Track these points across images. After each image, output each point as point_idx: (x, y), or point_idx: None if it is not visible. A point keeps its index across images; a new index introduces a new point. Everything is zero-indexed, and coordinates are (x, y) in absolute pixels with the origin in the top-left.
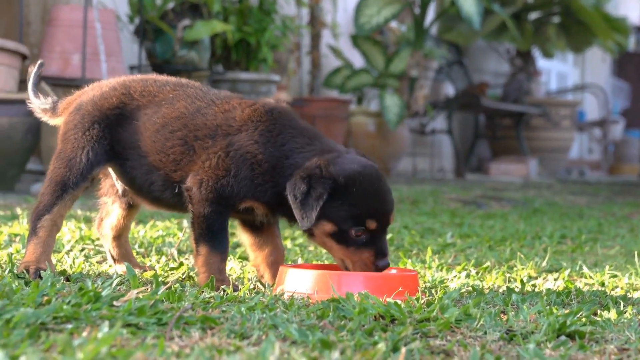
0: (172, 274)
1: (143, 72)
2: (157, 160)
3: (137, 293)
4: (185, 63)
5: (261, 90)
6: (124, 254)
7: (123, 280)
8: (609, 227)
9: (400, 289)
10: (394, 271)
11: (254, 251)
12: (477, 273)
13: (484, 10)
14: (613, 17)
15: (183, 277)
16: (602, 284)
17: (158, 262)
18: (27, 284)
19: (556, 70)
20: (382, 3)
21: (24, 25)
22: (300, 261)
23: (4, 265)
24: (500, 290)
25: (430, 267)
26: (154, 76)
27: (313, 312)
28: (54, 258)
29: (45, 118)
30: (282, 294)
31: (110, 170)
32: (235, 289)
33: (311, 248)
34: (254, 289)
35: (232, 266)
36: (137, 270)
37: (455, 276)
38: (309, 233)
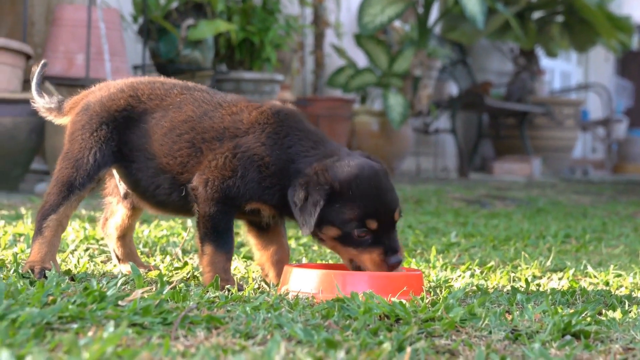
0: (176, 273)
1: (147, 72)
2: (164, 163)
3: (142, 293)
4: (189, 62)
5: (265, 90)
6: (128, 253)
7: (128, 279)
8: (613, 226)
9: (404, 289)
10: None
11: (259, 250)
12: (482, 272)
13: (487, 9)
14: (617, 16)
15: (188, 276)
16: (607, 284)
17: (162, 262)
18: (32, 283)
19: (560, 70)
20: (385, 2)
21: (28, 25)
22: (304, 261)
23: (9, 265)
24: (505, 290)
25: (434, 267)
26: (161, 79)
27: (318, 311)
28: (58, 258)
29: (50, 117)
30: (287, 293)
31: (114, 172)
32: (240, 289)
33: (315, 248)
34: (258, 288)
35: (237, 266)
36: (141, 270)
37: (459, 276)
38: (319, 239)
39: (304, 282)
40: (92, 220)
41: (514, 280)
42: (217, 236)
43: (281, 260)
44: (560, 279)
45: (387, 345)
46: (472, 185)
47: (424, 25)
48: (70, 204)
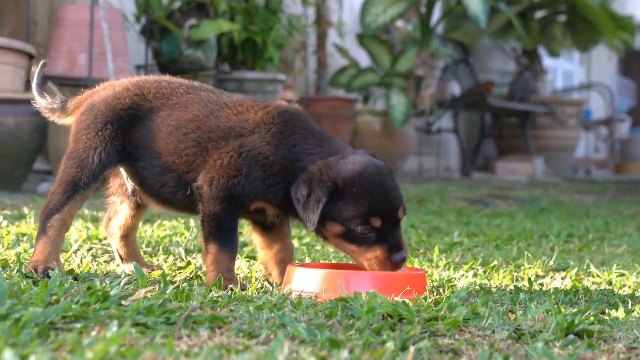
0: (179, 273)
1: (149, 72)
2: (170, 162)
3: (145, 292)
4: (191, 62)
5: (267, 90)
6: (131, 253)
7: (131, 279)
8: (616, 225)
9: (408, 288)
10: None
11: (263, 248)
12: (485, 272)
13: (490, 9)
14: (619, 15)
15: (191, 276)
16: (610, 283)
17: (165, 262)
18: (35, 283)
19: (562, 69)
20: (388, 2)
21: (31, 25)
22: (307, 260)
23: (12, 265)
24: (508, 289)
25: (437, 266)
26: (167, 77)
27: (321, 311)
28: (61, 257)
29: (53, 118)
30: (290, 293)
31: (121, 169)
32: (243, 288)
33: (318, 247)
34: (261, 288)
35: (240, 265)
36: (144, 270)
37: (462, 275)
38: (323, 236)
39: (307, 281)
40: (95, 220)
41: (516, 280)
42: (221, 235)
43: (284, 260)
44: (563, 278)
45: (390, 345)
46: (475, 184)
47: (426, 25)
48: (74, 203)
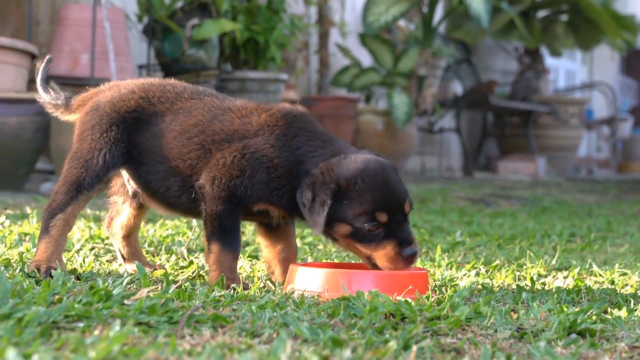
0: (182, 272)
1: (152, 71)
2: (174, 166)
3: (148, 292)
4: (193, 62)
5: (269, 89)
6: (133, 252)
7: (133, 279)
8: (618, 225)
9: (410, 288)
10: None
11: (266, 247)
12: (487, 271)
13: (492, 8)
14: (622, 14)
15: (193, 275)
16: (612, 282)
17: (168, 261)
18: (38, 282)
19: (564, 68)
20: (390, 1)
21: (33, 24)
22: (309, 260)
23: (14, 264)
24: (510, 289)
25: (439, 266)
26: (172, 81)
27: (324, 310)
28: (63, 257)
29: (56, 114)
30: (293, 292)
31: (123, 172)
32: (246, 288)
33: (320, 247)
34: (264, 287)
35: (242, 265)
36: (147, 269)
37: (465, 274)
38: (332, 238)
39: (309, 281)
40: (97, 220)
41: (519, 279)
42: (223, 235)
43: (288, 259)
44: (565, 277)
45: (392, 344)
46: (477, 184)
47: (428, 25)
48: (78, 203)
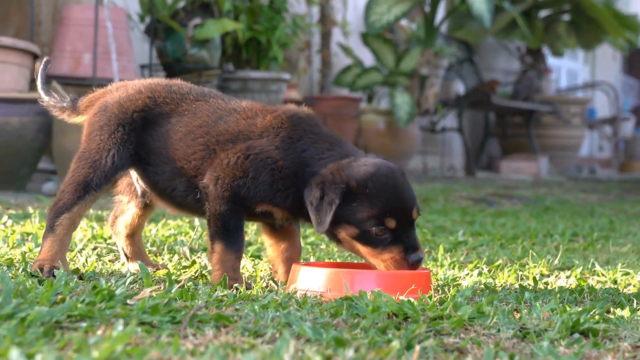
0: (184, 272)
1: (154, 71)
2: (179, 167)
3: (151, 291)
4: (196, 62)
5: (271, 89)
6: (137, 252)
7: (136, 278)
8: (620, 224)
9: (413, 287)
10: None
11: (270, 246)
12: (489, 271)
13: (494, 7)
14: (624, 14)
15: (196, 275)
16: (615, 282)
17: (170, 261)
18: (40, 282)
19: (566, 68)
20: (392, 1)
21: (35, 24)
22: (312, 259)
23: (17, 264)
24: (513, 288)
25: (442, 265)
26: (178, 82)
27: (326, 310)
28: (66, 257)
29: (63, 117)
30: (295, 292)
31: (132, 171)
32: (248, 287)
33: (323, 246)
34: (267, 287)
35: (245, 264)
36: (150, 269)
37: (467, 274)
38: (337, 240)
39: (312, 280)
40: (100, 219)
41: (521, 279)
42: (227, 235)
43: (291, 258)
44: (568, 277)
45: (395, 344)
46: (479, 184)
47: (430, 24)
48: (85, 203)
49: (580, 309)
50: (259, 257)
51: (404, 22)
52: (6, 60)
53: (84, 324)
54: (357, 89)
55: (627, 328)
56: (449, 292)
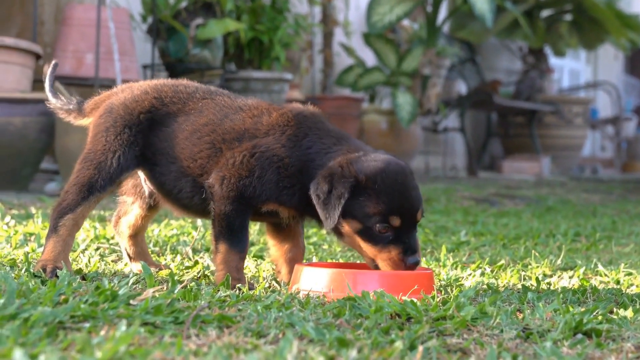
0: (187, 272)
1: (156, 71)
2: (185, 167)
3: (154, 292)
4: (198, 62)
5: (274, 89)
6: (139, 252)
7: (139, 279)
8: (623, 224)
9: (415, 288)
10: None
11: (274, 245)
12: (492, 271)
13: (496, 7)
14: (626, 14)
15: (198, 275)
16: (618, 282)
17: (173, 261)
18: (43, 283)
19: (568, 68)
20: (394, 1)
21: (38, 24)
22: (315, 260)
23: (20, 265)
24: (516, 289)
25: (445, 266)
26: (184, 82)
27: (329, 310)
28: (69, 257)
29: (69, 119)
30: (298, 292)
31: (139, 172)
32: (251, 288)
33: (325, 247)
34: (269, 287)
35: (247, 265)
36: (152, 269)
37: (470, 274)
38: (338, 233)
39: (314, 281)
40: (103, 220)
41: (524, 279)
42: (231, 235)
43: (294, 259)
44: (570, 277)
45: (398, 344)
46: (482, 184)
47: (432, 24)
48: (89, 204)
49: (583, 310)
50: (262, 258)
51: (406, 22)
52: (9, 60)
53: (87, 325)
54: (359, 89)
55: (630, 328)
56: (452, 292)
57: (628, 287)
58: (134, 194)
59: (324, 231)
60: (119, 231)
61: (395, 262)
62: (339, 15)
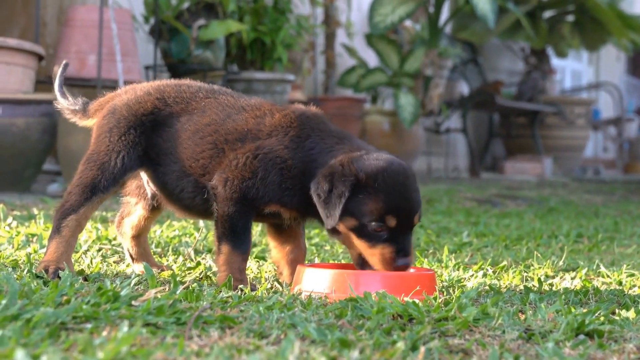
0: (189, 273)
1: (158, 72)
2: (187, 166)
3: (156, 293)
4: (200, 63)
5: (276, 90)
6: (142, 253)
7: (141, 280)
8: (625, 225)
9: (417, 288)
10: (411, 270)
11: (275, 247)
12: (494, 272)
13: (498, 8)
14: (628, 15)
15: (200, 276)
16: (620, 283)
17: (175, 262)
18: (45, 283)
19: (571, 69)
20: (396, 2)
21: (40, 25)
22: (317, 261)
23: (22, 265)
24: (518, 290)
25: (447, 267)
26: (187, 81)
27: (331, 311)
28: (72, 258)
29: (74, 119)
30: (300, 293)
31: (142, 174)
32: (253, 289)
33: (327, 247)
34: (271, 288)
35: (250, 266)
36: (155, 270)
37: (472, 275)
38: (334, 231)
39: (316, 282)
40: (105, 221)
41: (526, 280)
42: (234, 236)
43: (296, 260)
44: (573, 278)
45: (400, 345)
46: (484, 184)
47: (434, 25)
48: (91, 205)
49: (585, 310)
50: (264, 259)
51: (408, 23)
52: (11, 61)
53: (89, 325)
54: (361, 90)
55: (633, 329)
56: (454, 293)
57: (630, 288)
58: (137, 194)
59: (325, 232)
60: (122, 232)
61: (386, 260)
62: (341, 16)
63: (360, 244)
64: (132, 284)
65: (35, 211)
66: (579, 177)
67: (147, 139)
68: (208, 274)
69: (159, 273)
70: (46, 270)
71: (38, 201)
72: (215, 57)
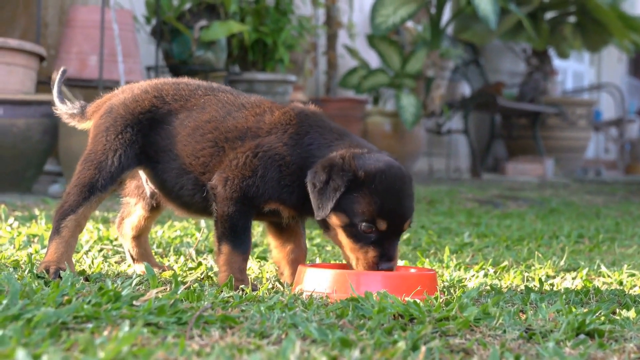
0: (190, 273)
1: (160, 73)
2: (187, 164)
3: (157, 293)
4: (202, 63)
5: (277, 91)
6: (143, 253)
7: (142, 280)
8: (626, 226)
9: (418, 288)
10: (412, 270)
11: (276, 247)
12: (495, 272)
13: (500, 9)
14: (629, 16)
15: (202, 276)
16: (621, 283)
17: (176, 262)
18: (47, 284)
19: (572, 70)
20: (398, 3)
21: (42, 26)
22: (318, 261)
23: (23, 266)
24: (519, 290)
25: (448, 267)
26: (186, 79)
27: (332, 311)
28: (72, 258)
29: (73, 123)
30: (301, 293)
31: (140, 172)
32: (254, 289)
33: (329, 248)
34: (272, 288)
35: (251, 266)
36: (156, 270)
37: (473, 275)
38: (325, 225)
39: (318, 281)
40: (106, 221)
41: (527, 280)
42: (234, 236)
43: (297, 260)
44: (573, 278)
45: (401, 345)
46: (485, 185)
47: (436, 26)
48: (90, 205)
49: (586, 310)
50: (265, 259)
51: (409, 24)
52: (12, 62)
53: (90, 325)
54: (362, 91)
55: (633, 329)
56: (455, 293)
57: (631, 288)
58: (136, 195)
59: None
60: (123, 232)
61: (368, 264)
62: (343, 17)
63: (346, 242)
64: (133, 284)
65: (37, 212)
66: (580, 178)
67: (144, 137)
68: (209, 274)
69: (160, 273)
70: (47, 271)
71: (39, 202)
72: (216, 58)
